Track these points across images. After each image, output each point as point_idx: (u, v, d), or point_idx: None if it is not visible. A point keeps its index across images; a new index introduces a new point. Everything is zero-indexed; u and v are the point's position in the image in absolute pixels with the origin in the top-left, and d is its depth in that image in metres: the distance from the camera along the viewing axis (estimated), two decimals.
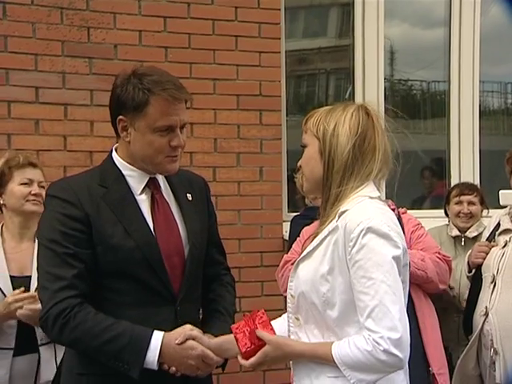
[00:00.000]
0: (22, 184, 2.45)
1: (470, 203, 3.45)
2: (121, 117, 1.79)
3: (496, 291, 2.64)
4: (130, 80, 1.78)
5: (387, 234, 1.56)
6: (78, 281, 1.72)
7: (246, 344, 1.66)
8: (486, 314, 2.64)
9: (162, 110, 1.75)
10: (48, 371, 2.39)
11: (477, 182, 4.14)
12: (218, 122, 3.64)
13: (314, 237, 1.68)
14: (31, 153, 2.94)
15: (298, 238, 2.97)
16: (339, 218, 1.61)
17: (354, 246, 1.55)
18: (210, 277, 2.02)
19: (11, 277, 2.39)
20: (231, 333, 1.73)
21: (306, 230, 2.88)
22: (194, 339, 1.73)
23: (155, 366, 1.70)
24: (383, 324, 1.51)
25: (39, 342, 2.37)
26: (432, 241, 2.97)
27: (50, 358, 2.40)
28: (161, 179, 1.91)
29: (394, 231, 1.58)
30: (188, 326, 1.76)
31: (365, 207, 1.61)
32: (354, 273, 1.55)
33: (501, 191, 2.82)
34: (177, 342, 1.71)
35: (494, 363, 2.60)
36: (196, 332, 1.75)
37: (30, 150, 3.01)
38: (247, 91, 3.69)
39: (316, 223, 2.48)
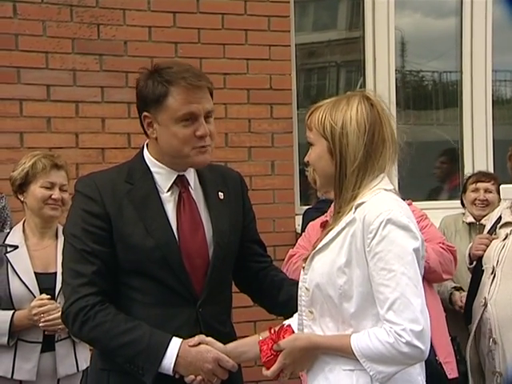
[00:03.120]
0: (43, 187, 2.46)
1: (487, 191, 3.43)
2: (145, 113, 1.78)
3: (495, 282, 2.66)
4: (150, 75, 1.77)
5: (407, 225, 1.55)
6: (97, 277, 1.73)
7: (266, 354, 1.67)
8: (485, 305, 2.66)
9: (181, 99, 1.72)
10: (66, 366, 2.43)
11: (490, 172, 4.11)
12: (228, 116, 3.64)
13: (330, 230, 1.67)
14: (48, 151, 2.95)
15: (303, 233, 2.96)
16: (355, 210, 1.60)
17: (373, 237, 1.54)
18: (259, 269, 2.00)
19: (36, 273, 2.42)
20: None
21: (312, 225, 2.88)
22: (206, 344, 1.73)
23: (171, 372, 1.70)
24: (405, 316, 1.50)
25: (56, 339, 2.41)
26: (436, 231, 2.95)
27: (66, 354, 2.43)
28: (191, 176, 1.87)
29: (412, 223, 1.58)
30: (202, 335, 1.75)
31: (382, 199, 1.60)
32: (374, 265, 1.54)
33: (501, 186, 2.81)
34: (190, 344, 1.70)
35: (491, 351, 2.63)
36: (209, 338, 1.74)
37: (42, 148, 3.02)
38: (257, 85, 3.68)
39: (322, 218, 2.46)
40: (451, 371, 2.79)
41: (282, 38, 3.73)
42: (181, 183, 1.84)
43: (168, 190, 1.82)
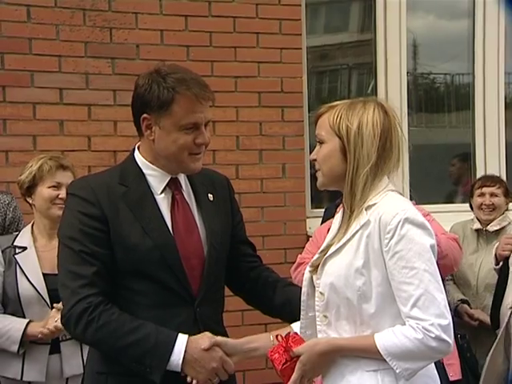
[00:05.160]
0: (50, 187, 2.48)
1: (493, 195, 3.42)
2: (145, 115, 1.78)
3: None
4: (153, 78, 1.77)
5: (423, 223, 1.60)
6: (97, 278, 1.73)
7: (281, 361, 1.66)
8: None
9: (187, 108, 1.75)
10: (72, 366, 2.44)
11: (503, 174, 4.09)
12: (239, 119, 3.65)
13: (339, 233, 1.68)
14: (61, 154, 2.98)
15: (311, 239, 2.96)
16: (367, 211, 1.62)
17: (392, 237, 1.57)
18: (249, 269, 2.02)
19: (44, 274, 2.43)
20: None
21: (319, 230, 2.87)
22: (218, 345, 1.73)
23: (179, 369, 1.70)
24: (431, 312, 1.54)
25: (60, 339, 2.42)
26: (438, 225, 2.93)
27: (72, 354, 2.44)
28: (182, 179, 1.90)
29: (426, 220, 1.61)
30: (208, 334, 1.75)
31: (394, 199, 1.64)
32: (394, 264, 1.56)
33: None
34: (203, 347, 1.71)
35: None
36: (220, 338, 1.75)
37: (55, 151, 3.05)
38: (269, 88, 3.69)
39: (328, 222, 2.47)
40: (454, 373, 2.80)
41: (294, 41, 3.74)
42: (174, 185, 1.87)
43: (161, 192, 1.84)
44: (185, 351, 1.69)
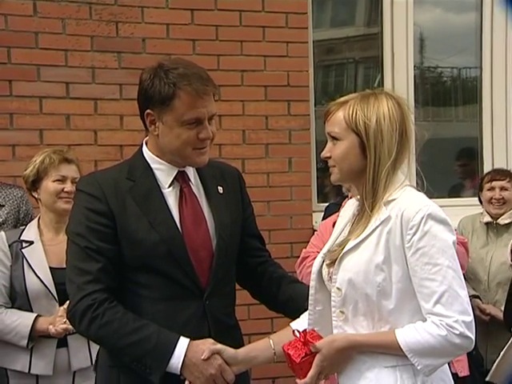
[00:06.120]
0: (55, 181, 2.49)
1: (503, 189, 3.41)
2: (148, 111, 1.78)
3: None
4: (156, 73, 1.77)
5: (445, 219, 1.59)
6: (103, 274, 1.73)
7: (300, 355, 1.64)
8: None
9: (188, 104, 1.74)
10: (80, 359, 2.45)
11: (511, 168, 4.07)
12: (246, 113, 3.65)
13: (357, 228, 1.66)
14: (65, 148, 2.98)
15: (316, 233, 2.96)
16: (386, 207, 1.61)
17: (415, 233, 1.56)
18: (257, 264, 2.01)
19: (51, 268, 2.45)
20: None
21: (324, 224, 2.87)
22: (218, 353, 1.71)
23: (178, 372, 1.70)
24: (454, 308, 1.53)
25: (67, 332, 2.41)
26: None
27: (80, 347, 2.45)
28: (191, 172, 1.89)
29: (447, 217, 1.61)
30: (210, 340, 1.75)
31: (414, 195, 1.63)
32: (417, 260, 1.55)
33: None
34: (203, 357, 1.70)
35: None
36: (220, 346, 1.73)
37: (61, 145, 3.05)
38: (275, 82, 3.68)
39: (333, 217, 2.46)
40: (462, 369, 2.79)
41: (300, 35, 3.73)
42: (181, 178, 1.86)
43: (169, 186, 1.84)
44: (185, 355, 1.69)
